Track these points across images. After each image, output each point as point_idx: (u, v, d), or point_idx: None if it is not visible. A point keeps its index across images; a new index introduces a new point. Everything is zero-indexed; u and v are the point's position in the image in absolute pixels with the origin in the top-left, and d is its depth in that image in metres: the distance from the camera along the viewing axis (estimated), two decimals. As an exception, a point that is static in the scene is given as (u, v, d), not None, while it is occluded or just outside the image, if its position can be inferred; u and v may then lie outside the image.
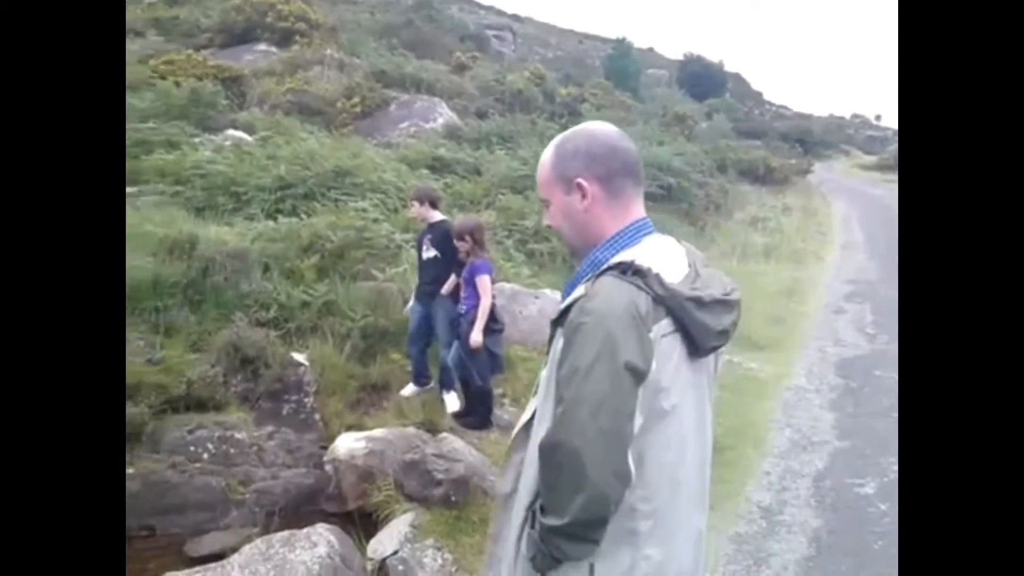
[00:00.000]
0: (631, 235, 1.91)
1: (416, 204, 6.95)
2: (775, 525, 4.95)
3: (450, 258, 6.66)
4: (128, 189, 9.92)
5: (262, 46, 19.74)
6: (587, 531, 1.76)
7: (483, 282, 6.19)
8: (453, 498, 5.06)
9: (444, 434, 5.84)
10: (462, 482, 5.10)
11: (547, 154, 1.98)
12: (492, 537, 2.09)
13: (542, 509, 1.81)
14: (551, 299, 8.48)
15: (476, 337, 6.09)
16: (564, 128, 2.16)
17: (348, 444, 5.84)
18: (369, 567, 4.59)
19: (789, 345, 9.33)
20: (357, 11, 27.28)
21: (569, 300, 1.82)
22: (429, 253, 6.85)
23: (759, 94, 58.09)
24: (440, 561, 4.57)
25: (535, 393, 1.95)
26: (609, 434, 1.70)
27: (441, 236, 6.76)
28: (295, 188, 10.26)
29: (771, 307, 10.89)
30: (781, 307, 11.13)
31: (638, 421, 1.74)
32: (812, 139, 44.79)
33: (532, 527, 1.85)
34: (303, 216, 9.46)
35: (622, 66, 37.00)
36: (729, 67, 52.96)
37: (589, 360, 1.70)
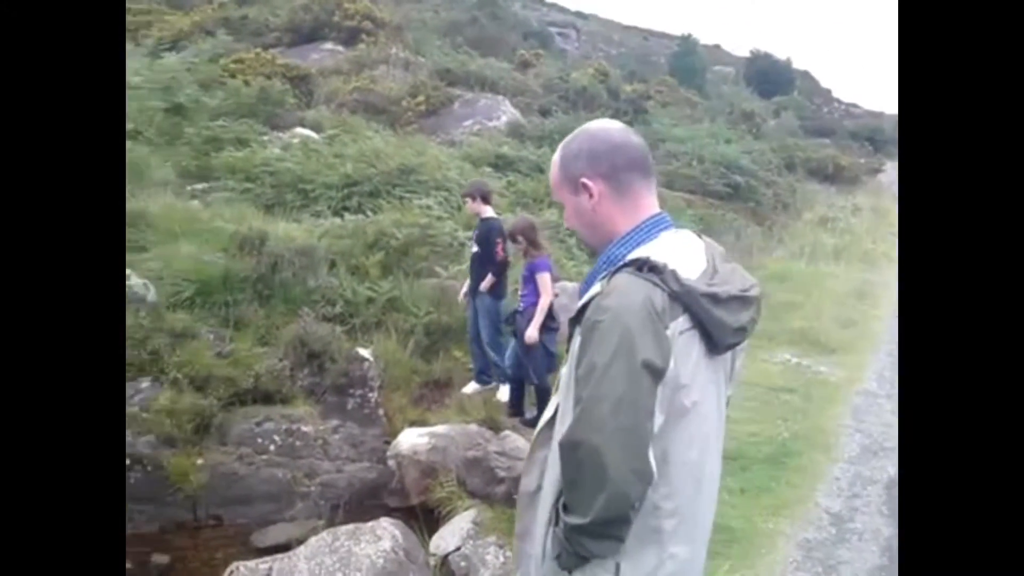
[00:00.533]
0: (647, 230, 1.91)
1: (469, 200, 7.04)
2: (845, 532, 4.82)
3: (488, 255, 6.73)
4: (199, 185, 10.17)
5: (329, 45, 19.98)
6: (610, 529, 1.75)
7: (543, 280, 6.18)
8: (515, 496, 5.04)
9: (506, 432, 5.84)
10: (525, 480, 5.08)
11: (555, 157, 2.00)
12: (519, 535, 2.08)
13: (565, 507, 1.80)
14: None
15: (532, 333, 6.08)
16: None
17: (411, 439, 5.87)
18: (432, 562, 4.60)
19: (860, 349, 9.10)
20: (422, 9, 27.44)
21: (586, 298, 1.81)
22: (473, 249, 6.97)
23: (828, 91, 56.71)
24: (502, 559, 4.56)
25: (556, 390, 1.95)
26: (628, 432, 1.68)
27: (483, 232, 6.84)
28: (361, 186, 10.38)
29: (841, 310, 10.65)
30: (851, 310, 10.86)
31: (659, 419, 1.73)
32: (883, 137, 43.53)
33: (556, 525, 1.84)
34: (369, 213, 9.55)
35: (688, 63, 36.54)
36: (797, 64, 51.81)
37: (606, 358, 1.69)
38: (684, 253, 1.86)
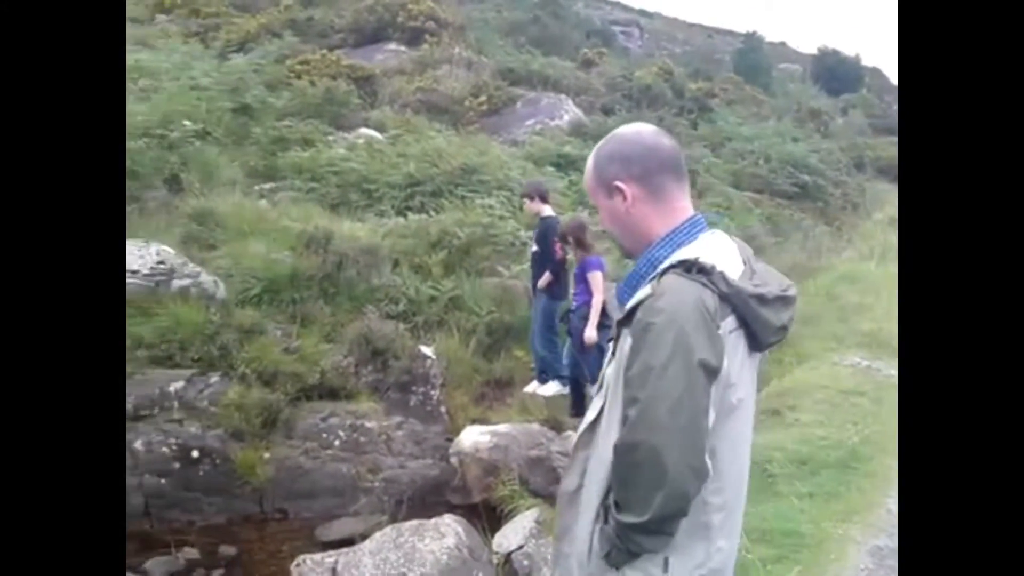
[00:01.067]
0: (686, 232, 1.92)
1: (527, 200, 7.14)
2: (918, 541, 4.68)
3: (546, 253, 6.82)
4: (266, 185, 10.36)
5: (392, 45, 20.14)
6: (665, 526, 1.78)
7: (595, 278, 6.21)
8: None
9: (569, 432, 5.82)
10: (588, 481, 5.05)
11: (589, 162, 2.03)
12: (558, 535, 2.09)
13: (616, 506, 1.83)
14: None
15: (590, 334, 6.09)
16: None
17: (473, 437, 5.89)
18: (495, 560, 4.61)
19: (932, 352, 8.82)
20: (484, 9, 27.51)
21: (635, 300, 1.83)
22: (533, 248, 7.10)
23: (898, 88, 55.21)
24: (565, 559, 4.54)
25: (599, 391, 1.97)
26: (687, 431, 1.72)
27: (542, 231, 6.95)
28: (424, 185, 10.45)
29: (912, 311, 10.34)
30: (923, 312, 10.54)
31: (711, 417, 1.77)
32: (956, 135, 42.24)
33: (605, 523, 1.86)
34: (431, 213, 9.63)
35: (753, 61, 35.94)
36: (867, 61, 50.59)
37: (663, 359, 1.71)
38: (724, 254, 1.89)
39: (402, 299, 7.71)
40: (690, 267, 1.79)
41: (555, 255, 6.80)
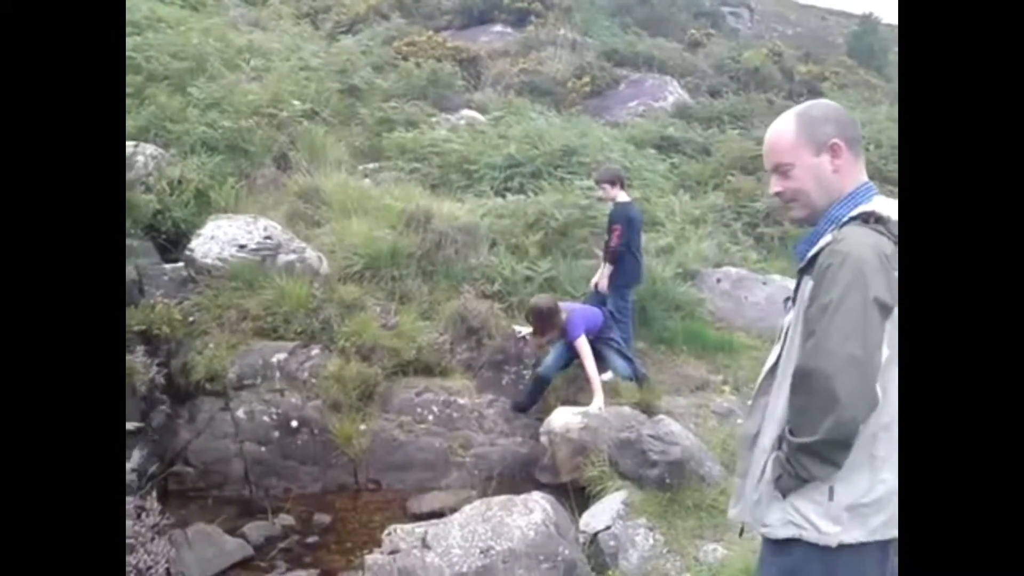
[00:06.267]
0: (863, 194, 2.13)
1: (607, 187, 7.18)
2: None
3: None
4: (370, 165, 10.58)
5: (498, 27, 20.17)
6: (832, 451, 1.94)
7: (581, 345, 6.39)
8: (668, 480, 5.00)
9: (661, 416, 5.78)
10: (678, 465, 5.03)
11: (787, 123, 2.20)
12: (739, 474, 2.30)
13: (791, 432, 2.01)
14: (781, 286, 8.18)
15: (597, 403, 6.25)
16: None
17: (564, 418, 5.92)
18: (581, 539, 4.63)
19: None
20: (592, -10, 27.20)
21: (816, 248, 2.04)
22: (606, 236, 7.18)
23: None
24: (651, 541, 4.54)
25: (779, 338, 2.18)
26: (858, 361, 1.88)
27: (610, 217, 7.10)
28: (523, 166, 10.45)
29: None
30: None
31: (885, 353, 1.92)
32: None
33: (780, 450, 2.05)
34: (530, 193, 9.63)
35: (868, 44, 34.44)
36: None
37: (839, 294, 1.90)
38: (896, 211, 2.02)
39: (498, 279, 7.76)
40: (867, 218, 2.01)
41: (609, 243, 6.89)
